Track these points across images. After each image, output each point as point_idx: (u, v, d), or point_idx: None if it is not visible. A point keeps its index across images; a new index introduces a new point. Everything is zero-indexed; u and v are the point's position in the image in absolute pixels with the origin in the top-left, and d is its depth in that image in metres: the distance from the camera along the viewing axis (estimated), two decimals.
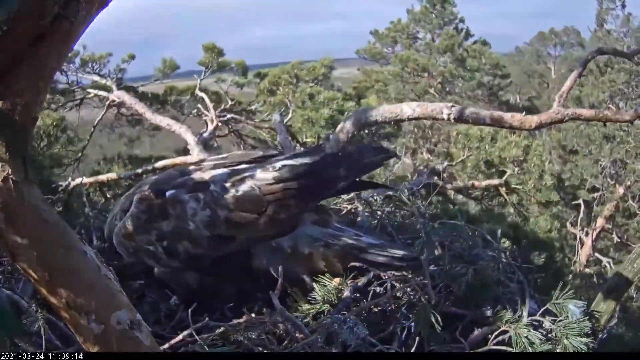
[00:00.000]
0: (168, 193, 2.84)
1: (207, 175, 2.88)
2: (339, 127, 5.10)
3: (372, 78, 17.12)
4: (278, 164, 2.87)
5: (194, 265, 2.86)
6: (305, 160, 2.92)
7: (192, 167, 3.05)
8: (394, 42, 19.89)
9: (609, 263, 11.51)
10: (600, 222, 12.93)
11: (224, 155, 3.21)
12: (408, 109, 4.71)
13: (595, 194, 13.37)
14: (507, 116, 4.56)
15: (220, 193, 2.79)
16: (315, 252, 2.96)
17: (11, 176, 1.56)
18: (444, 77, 15.85)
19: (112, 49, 9.18)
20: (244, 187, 2.80)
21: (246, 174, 2.84)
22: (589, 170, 13.62)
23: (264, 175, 2.82)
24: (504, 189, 8.53)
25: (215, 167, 2.94)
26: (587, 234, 12.42)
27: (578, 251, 11.96)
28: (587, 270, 11.42)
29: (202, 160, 3.35)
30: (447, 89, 16.46)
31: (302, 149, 7.20)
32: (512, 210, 8.74)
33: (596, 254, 12.27)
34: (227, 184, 2.80)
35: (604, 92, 14.97)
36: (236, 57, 10.07)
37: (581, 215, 12.50)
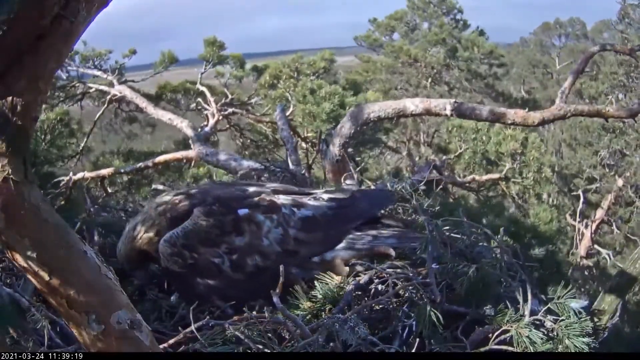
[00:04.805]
0: (241, 211, 3.15)
1: (275, 199, 3.27)
2: (341, 122, 5.09)
3: (363, 68, 17.02)
4: (325, 196, 3.40)
5: (257, 277, 3.08)
6: (342, 195, 3.47)
7: (250, 189, 3.35)
8: (392, 30, 19.87)
9: (608, 255, 11.47)
10: (599, 213, 12.92)
11: (276, 185, 3.63)
12: (411, 105, 4.70)
13: (594, 185, 13.37)
14: (510, 112, 4.56)
15: (289, 215, 3.22)
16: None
17: (11, 176, 1.55)
18: (434, 67, 15.82)
19: (114, 39, 9.15)
20: (306, 212, 3.27)
21: (305, 202, 3.31)
22: (587, 161, 13.61)
23: (318, 204, 3.33)
24: (503, 182, 8.52)
25: (275, 191, 3.34)
26: (586, 226, 12.39)
27: (577, 243, 11.94)
28: (587, 262, 11.40)
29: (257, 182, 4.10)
30: (443, 79, 16.44)
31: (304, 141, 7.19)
32: (511, 203, 8.74)
33: (595, 246, 12.25)
34: (294, 209, 3.25)
35: (603, 84, 14.90)
36: (236, 50, 10.03)
37: (580, 206, 12.46)
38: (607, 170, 13.27)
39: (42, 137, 6.91)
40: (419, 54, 15.80)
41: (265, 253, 3.11)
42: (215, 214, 3.09)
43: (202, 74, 9.28)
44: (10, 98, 1.53)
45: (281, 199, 3.27)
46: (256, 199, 3.23)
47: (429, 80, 15.92)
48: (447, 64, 16.34)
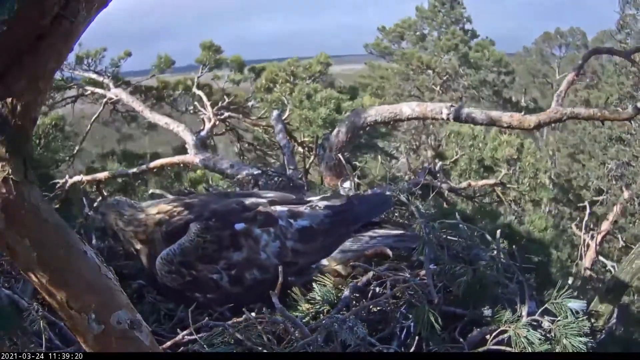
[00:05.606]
0: (237, 226, 3.13)
1: (271, 211, 3.24)
2: (337, 127, 5.10)
3: (377, 74, 17.12)
4: (321, 204, 3.36)
5: (256, 290, 3.05)
6: (339, 201, 3.43)
7: (247, 201, 3.30)
8: (400, 38, 19.94)
9: (613, 267, 11.42)
10: (605, 225, 12.87)
11: (272, 195, 3.53)
12: (407, 109, 4.72)
13: (601, 197, 13.32)
14: (506, 116, 4.58)
15: (286, 227, 3.20)
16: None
17: (11, 176, 1.55)
18: (447, 73, 15.87)
19: (109, 42, 9.09)
20: (303, 223, 3.24)
21: (302, 212, 3.28)
22: (594, 172, 13.58)
23: (315, 213, 3.29)
24: (499, 188, 8.53)
25: (272, 203, 3.30)
26: (592, 237, 12.31)
27: (582, 255, 11.86)
28: (591, 273, 11.35)
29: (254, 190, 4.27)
30: (451, 86, 16.46)
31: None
32: (506, 209, 8.74)
33: (601, 258, 12.18)
34: (291, 220, 3.22)
35: (612, 95, 14.89)
36: (234, 53, 10.04)
37: (586, 217, 12.40)
38: (614, 182, 13.25)
39: (37, 141, 6.90)
40: (431, 61, 15.87)
41: (264, 267, 3.10)
42: (212, 230, 3.07)
43: (198, 77, 9.28)
44: (10, 98, 1.54)
45: (278, 210, 3.25)
46: (253, 212, 3.21)
47: (438, 87, 15.96)
48: (457, 72, 16.40)
